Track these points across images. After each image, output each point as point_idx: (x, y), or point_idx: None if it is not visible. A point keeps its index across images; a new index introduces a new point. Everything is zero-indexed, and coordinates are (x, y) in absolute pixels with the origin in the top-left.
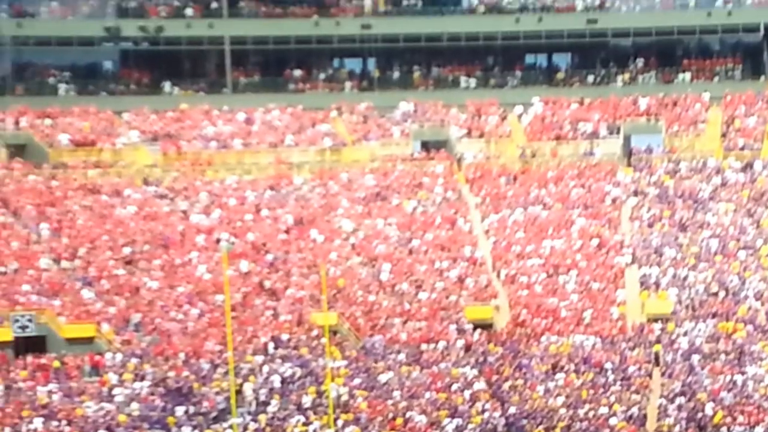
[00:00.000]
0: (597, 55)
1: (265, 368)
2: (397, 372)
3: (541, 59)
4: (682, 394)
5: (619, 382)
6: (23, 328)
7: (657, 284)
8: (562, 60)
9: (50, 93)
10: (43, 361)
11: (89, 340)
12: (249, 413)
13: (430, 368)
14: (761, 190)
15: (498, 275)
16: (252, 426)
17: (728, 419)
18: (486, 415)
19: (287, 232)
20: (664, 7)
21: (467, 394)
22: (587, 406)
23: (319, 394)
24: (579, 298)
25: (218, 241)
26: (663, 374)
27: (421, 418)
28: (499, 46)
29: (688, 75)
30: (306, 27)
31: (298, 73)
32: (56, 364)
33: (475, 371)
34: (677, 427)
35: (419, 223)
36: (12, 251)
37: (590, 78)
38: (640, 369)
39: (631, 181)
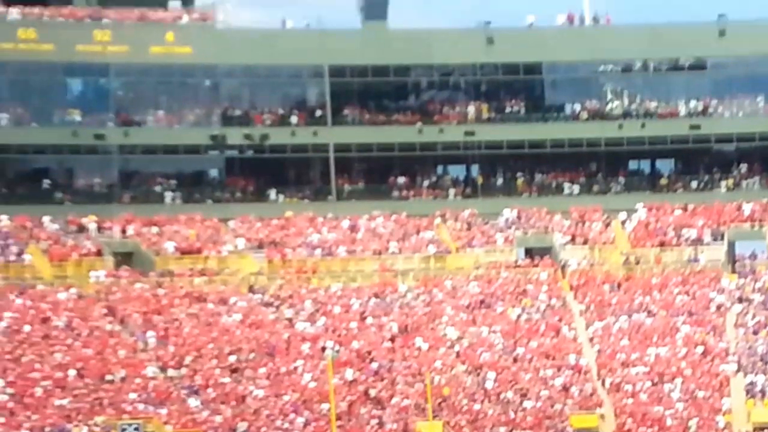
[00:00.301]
0: (700, 161)
1: None
2: None
3: (645, 165)
4: None
5: None
6: None
7: (763, 392)
8: (666, 166)
9: (156, 201)
10: None
11: None
12: None
13: None
14: None
15: (603, 383)
16: None
17: None
18: None
19: (392, 340)
20: None
21: None
22: None
23: None
24: (684, 407)
25: (323, 349)
26: None
27: None
28: (603, 152)
29: None
30: (410, 134)
31: (402, 180)
32: None
33: None
34: None
35: (524, 330)
36: (119, 359)
37: (694, 184)
38: None
39: (735, 288)
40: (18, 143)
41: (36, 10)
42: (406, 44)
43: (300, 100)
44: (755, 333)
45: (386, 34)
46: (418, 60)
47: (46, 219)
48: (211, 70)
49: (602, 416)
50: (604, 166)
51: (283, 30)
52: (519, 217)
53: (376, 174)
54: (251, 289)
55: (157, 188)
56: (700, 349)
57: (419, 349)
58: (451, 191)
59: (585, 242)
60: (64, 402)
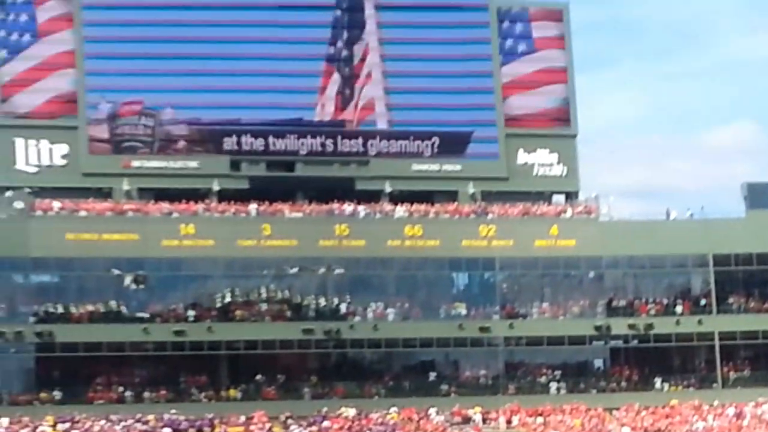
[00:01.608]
0: None
1: None
2: None
3: None
4: None
5: None
6: None
7: None
8: None
9: (541, 391)
10: None
11: None
12: None
13: None
14: None
15: None
16: None
17: None
18: None
19: None
20: None
21: None
22: None
23: None
24: None
25: None
26: None
27: None
28: None
29: None
30: None
31: None
32: None
33: None
34: None
35: None
36: None
37: None
38: None
39: None
40: (405, 337)
41: (422, 207)
42: None
43: (684, 289)
44: None
45: None
46: None
47: (432, 411)
48: (595, 262)
49: None
50: None
51: (666, 220)
52: None
53: (762, 361)
54: None
55: (542, 379)
56: None
57: None
58: None
59: None
60: None
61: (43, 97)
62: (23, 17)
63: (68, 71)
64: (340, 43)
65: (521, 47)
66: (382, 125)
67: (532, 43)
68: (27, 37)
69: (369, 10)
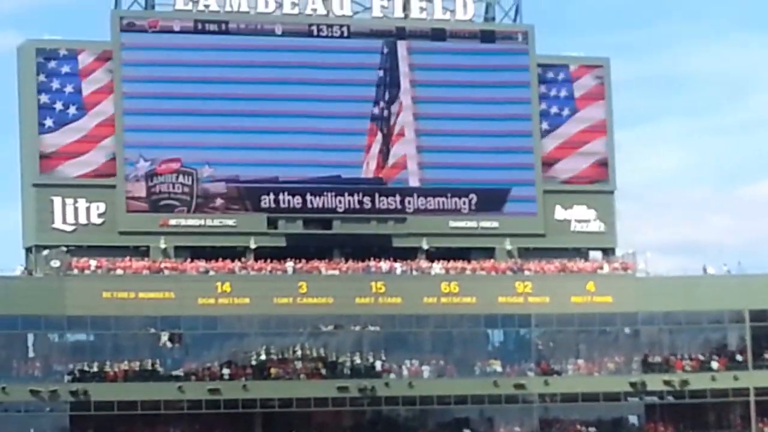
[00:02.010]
0: None
1: None
2: None
3: None
4: None
5: None
6: None
7: None
8: None
9: None
10: None
11: None
12: None
13: None
14: None
15: None
16: None
17: None
18: None
19: None
20: None
21: None
22: None
23: None
24: None
25: None
26: None
27: None
28: None
29: None
30: None
31: None
32: None
33: None
34: None
35: None
36: None
37: None
38: None
39: None
40: (440, 394)
41: (459, 264)
42: None
43: (720, 345)
44: None
45: None
46: None
47: None
48: (630, 318)
49: None
50: None
51: (703, 276)
52: None
53: None
54: None
55: None
56: None
57: None
58: None
59: None
60: None
61: (89, 167)
62: (68, 88)
63: (110, 139)
64: (382, 103)
65: (564, 111)
66: (414, 184)
67: (574, 104)
68: (72, 110)
69: (403, 69)
